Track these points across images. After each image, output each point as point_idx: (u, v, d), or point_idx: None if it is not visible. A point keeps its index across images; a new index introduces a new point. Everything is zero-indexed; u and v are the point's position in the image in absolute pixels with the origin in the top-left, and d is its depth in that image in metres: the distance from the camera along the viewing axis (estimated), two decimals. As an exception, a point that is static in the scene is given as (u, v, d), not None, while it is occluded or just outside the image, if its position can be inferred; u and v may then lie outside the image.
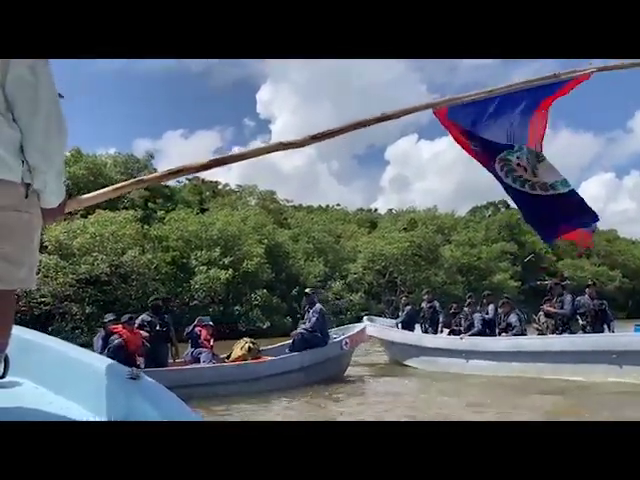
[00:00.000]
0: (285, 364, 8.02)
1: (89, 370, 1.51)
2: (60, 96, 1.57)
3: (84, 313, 18.05)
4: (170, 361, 7.78)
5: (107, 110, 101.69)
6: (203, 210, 29.56)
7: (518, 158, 2.79)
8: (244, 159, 2.44)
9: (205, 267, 21.96)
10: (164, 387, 1.38)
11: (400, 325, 11.79)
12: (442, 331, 11.09)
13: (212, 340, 8.30)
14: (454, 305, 11.62)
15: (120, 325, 7.21)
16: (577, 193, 2.82)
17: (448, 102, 2.81)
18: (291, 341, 8.61)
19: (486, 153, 2.88)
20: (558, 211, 2.79)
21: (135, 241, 21.08)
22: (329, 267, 29.36)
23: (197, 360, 7.87)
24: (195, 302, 21.24)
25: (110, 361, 1.57)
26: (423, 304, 11.77)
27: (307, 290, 9.03)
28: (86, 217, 20.59)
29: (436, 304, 11.59)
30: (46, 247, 18.76)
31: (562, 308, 8.87)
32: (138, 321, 7.55)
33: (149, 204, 26.92)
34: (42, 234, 1.61)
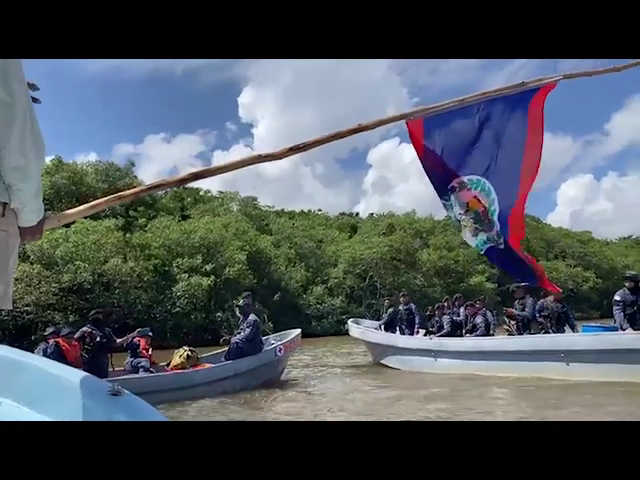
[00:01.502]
0: (220, 371, 8.34)
1: (70, 387, 1.48)
2: (36, 100, 1.59)
3: (67, 322, 18.19)
4: (110, 370, 8.08)
5: (88, 114, 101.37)
6: (185, 217, 29.76)
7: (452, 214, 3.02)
8: (223, 172, 2.42)
9: (187, 274, 22.16)
10: (145, 402, 1.39)
11: (382, 327, 12.24)
12: (418, 332, 11.51)
13: (150, 349, 8.64)
14: (429, 308, 12.21)
15: (60, 338, 7.59)
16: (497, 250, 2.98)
17: (422, 112, 2.83)
18: (227, 349, 8.94)
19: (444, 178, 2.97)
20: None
21: (117, 249, 21.30)
22: (311, 272, 29.79)
23: (136, 369, 8.20)
24: (177, 309, 21.44)
25: (91, 377, 1.55)
26: (400, 307, 12.17)
27: (240, 303, 9.35)
28: (68, 226, 20.76)
29: (412, 306, 11.98)
30: (29, 257, 18.94)
31: (524, 310, 9.46)
32: (78, 334, 7.91)
33: (130, 212, 27.01)
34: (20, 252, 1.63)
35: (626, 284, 7.97)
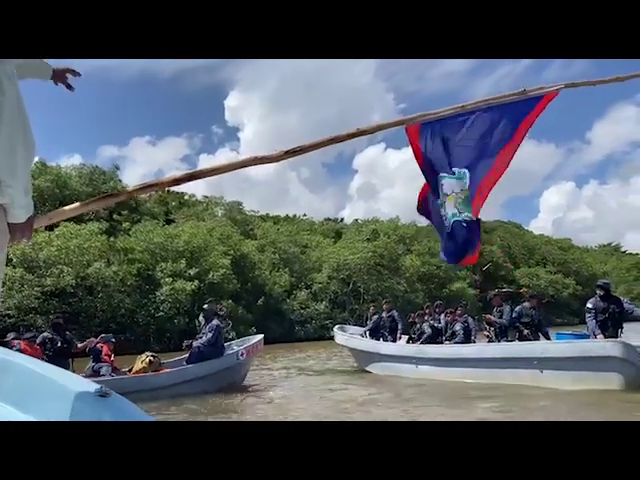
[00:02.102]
0: (181, 375, 8.51)
1: (58, 387, 1.46)
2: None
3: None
4: None
5: (72, 115, 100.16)
6: (169, 221, 29.68)
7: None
8: (218, 173, 2.38)
9: (170, 279, 22.12)
10: (133, 404, 1.38)
11: (368, 333, 12.37)
12: (400, 338, 11.72)
13: (112, 355, 8.74)
14: (411, 314, 12.42)
15: (22, 342, 7.69)
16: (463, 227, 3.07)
17: (420, 118, 2.85)
18: (188, 354, 9.09)
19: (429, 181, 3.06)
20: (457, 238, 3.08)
21: (101, 253, 21.22)
22: (295, 277, 29.86)
23: (97, 373, 8.30)
24: (160, 313, 21.42)
25: (79, 378, 1.53)
26: (383, 313, 12.36)
27: (205, 306, 9.51)
28: (51, 229, 20.64)
29: (395, 313, 12.19)
30: (11, 260, 18.78)
31: (501, 317, 9.69)
32: (39, 339, 8.05)
33: (114, 216, 26.88)
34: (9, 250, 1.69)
35: (598, 292, 8.23)
